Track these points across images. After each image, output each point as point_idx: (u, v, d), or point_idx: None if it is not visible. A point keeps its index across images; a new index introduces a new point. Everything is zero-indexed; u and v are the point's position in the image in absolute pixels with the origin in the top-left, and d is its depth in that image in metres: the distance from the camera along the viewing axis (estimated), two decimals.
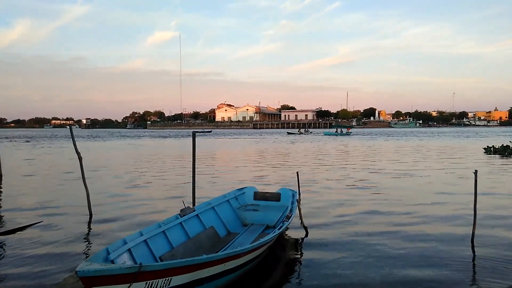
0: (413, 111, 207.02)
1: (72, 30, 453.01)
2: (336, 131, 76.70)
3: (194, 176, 7.99)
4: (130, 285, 3.42)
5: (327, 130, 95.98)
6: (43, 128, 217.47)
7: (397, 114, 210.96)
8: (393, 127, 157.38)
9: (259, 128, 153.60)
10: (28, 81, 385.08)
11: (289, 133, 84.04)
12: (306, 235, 7.00)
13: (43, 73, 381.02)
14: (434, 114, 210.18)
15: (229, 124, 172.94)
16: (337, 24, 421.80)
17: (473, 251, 6.17)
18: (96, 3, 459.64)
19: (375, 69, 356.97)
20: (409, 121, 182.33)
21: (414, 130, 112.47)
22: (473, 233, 6.56)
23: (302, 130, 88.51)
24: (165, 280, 3.70)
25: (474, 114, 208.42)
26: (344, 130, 77.45)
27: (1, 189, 12.82)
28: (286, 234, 7.05)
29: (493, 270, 5.34)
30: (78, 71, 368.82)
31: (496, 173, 15.66)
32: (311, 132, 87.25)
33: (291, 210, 7.15)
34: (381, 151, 29.51)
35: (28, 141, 51.16)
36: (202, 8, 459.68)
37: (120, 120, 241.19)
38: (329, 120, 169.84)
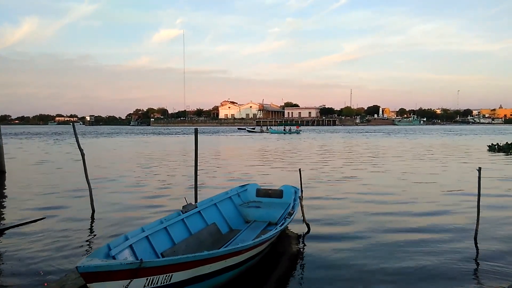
0: (417, 108, 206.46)
1: (79, 28, 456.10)
2: (284, 129, 71.43)
3: (196, 172, 7.96)
4: (131, 281, 3.41)
5: (274, 128, 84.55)
6: (47, 125, 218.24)
7: (401, 112, 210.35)
8: (397, 125, 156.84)
9: (262, 125, 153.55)
10: (34, 79, 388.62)
11: (249, 131, 78.86)
12: (308, 232, 6.98)
13: (49, 71, 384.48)
14: (438, 111, 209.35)
15: (233, 121, 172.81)
16: (343, 21, 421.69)
17: (476, 249, 6.14)
18: (103, 1, 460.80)
19: (379, 67, 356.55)
20: (413, 118, 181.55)
21: (417, 128, 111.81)
22: (476, 230, 6.52)
23: (264, 128, 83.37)
24: (166, 276, 3.69)
25: (479, 112, 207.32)
26: (293, 128, 72.33)
27: (4, 185, 12.89)
28: (289, 231, 7.03)
29: (496, 268, 5.30)
30: (83, 69, 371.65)
31: (500, 170, 15.56)
32: None
33: (293, 207, 7.14)
34: (382, 151, 29.41)
35: (39, 137, 51.39)
36: (208, 6, 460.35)
37: (123, 117, 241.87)
38: (332, 118, 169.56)
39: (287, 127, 73.81)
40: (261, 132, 76.23)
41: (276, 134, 66.63)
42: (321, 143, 38.20)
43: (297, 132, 68.58)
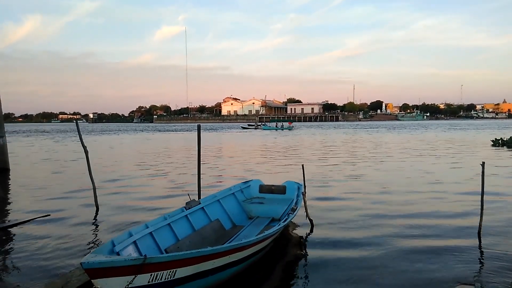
0: (421, 103, 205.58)
1: (81, 26, 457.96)
2: (276, 126, 72.08)
3: (200, 169, 7.99)
4: (135, 277, 3.43)
5: (267, 124, 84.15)
6: (51, 122, 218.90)
7: (405, 107, 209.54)
8: (400, 120, 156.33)
9: (265, 122, 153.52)
10: (37, 77, 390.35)
11: (243, 128, 79.27)
12: (312, 228, 6.99)
13: (52, 69, 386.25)
14: (442, 106, 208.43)
15: (235, 117, 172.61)
16: (345, 17, 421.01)
17: (480, 243, 6.12)
18: None
19: (382, 62, 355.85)
20: (416, 113, 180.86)
21: (421, 123, 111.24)
22: (480, 225, 6.49)
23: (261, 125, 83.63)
24: (170, 272, 3.71)
25: (482, 107, 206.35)
26: (286, 125, 72.67)
27: (9, 183, 12.94)
28: (291, 227, 7.04)
29: (499, 263, 5.29)
30: (86, 67, 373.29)
31: (504, 165, 15.48)
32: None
33: (296, 203, 7.12)
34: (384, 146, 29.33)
35: (42, 134, 51.56)
36: (210, 3, 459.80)
37: (126, 115, 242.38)
38: (335, 113, 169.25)
39: (279, 124, 74.53)
40: (255, 128, 77.24)
41: (268, 130, 67.98)
42: (321, 139, 38.14)
43: (289, 129, 69.34)
